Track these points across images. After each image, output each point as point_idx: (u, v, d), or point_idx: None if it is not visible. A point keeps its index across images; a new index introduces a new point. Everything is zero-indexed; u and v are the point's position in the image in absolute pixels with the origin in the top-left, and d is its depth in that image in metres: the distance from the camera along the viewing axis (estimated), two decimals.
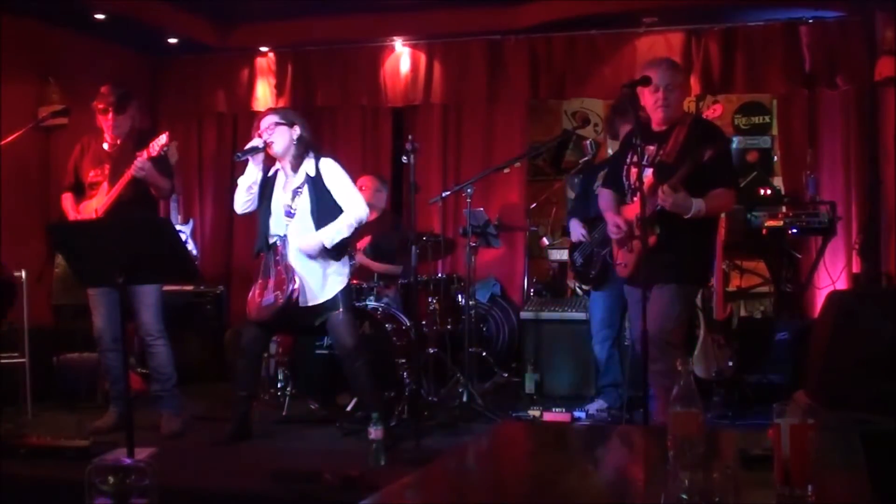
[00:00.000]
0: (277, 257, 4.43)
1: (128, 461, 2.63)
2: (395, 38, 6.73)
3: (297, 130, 4.49)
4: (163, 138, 4.45)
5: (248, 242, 7.09)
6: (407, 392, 4.85)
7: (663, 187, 3.79)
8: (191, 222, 7.05)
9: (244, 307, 4.66)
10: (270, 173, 4.57)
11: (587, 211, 5.20)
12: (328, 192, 4.47)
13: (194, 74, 7.20)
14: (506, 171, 5.84)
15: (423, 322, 5.40)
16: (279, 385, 5.48)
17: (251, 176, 4.52)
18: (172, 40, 6.78)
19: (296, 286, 4.36)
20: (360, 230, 5.98)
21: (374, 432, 3.98)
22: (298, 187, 4.47)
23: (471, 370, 5.37)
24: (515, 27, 6.40)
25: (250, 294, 4.56)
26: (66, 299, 5.79)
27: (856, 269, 5.78)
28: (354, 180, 6.16)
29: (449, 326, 5.69)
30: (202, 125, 7.35)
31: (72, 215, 4.76)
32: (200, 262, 6.89)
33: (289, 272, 4.38)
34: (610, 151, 6.23)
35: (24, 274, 5.34)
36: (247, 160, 4.51)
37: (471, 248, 5.56)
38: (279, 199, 4.50)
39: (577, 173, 6.77)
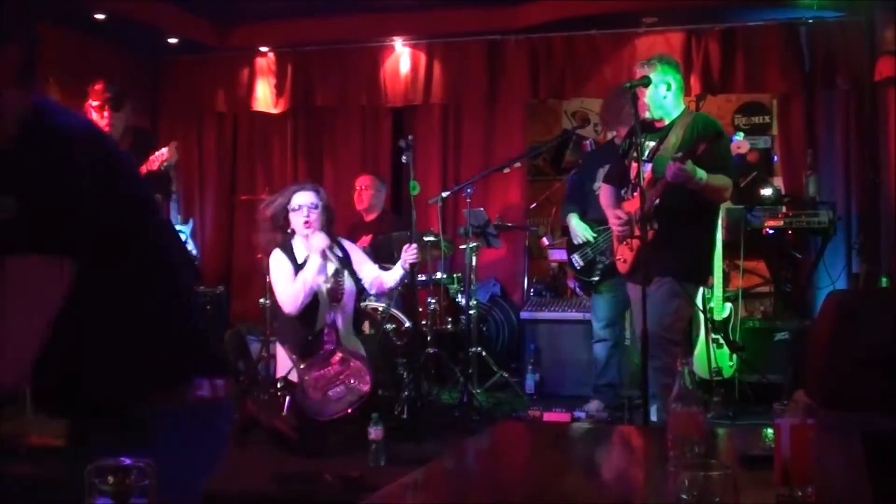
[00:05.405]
0: (329, 346, 4.27)
1: (128, 461, 2.62)
2: (395, 38, 6.72)
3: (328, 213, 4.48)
4: (164, 152, 4.32)
5: (248, 242, 7.12)
6: (407, 392, 4.85)
7: (672, 163, 3.81)
8: (191, 222, 7.05)
9: (244, 307, 4.64)
10: (301, 260, 4.41)
11: (584, 209, 5.19)
12: (353, 268, 4.55)
13: (194, 74, 7.20)
14: (506, 171, 5.84)
15: (423, 322, 5.40)
16: (279, 385, 5.46)
17: (317, 274, 4.36)
18: (172, 40, 6.77)
19: (369, 377, 4.24)
20: (359, 230, 6.01)
21: (374, 432, 3.98)
22: (338, 270, 4.41)
23: (471, 370, 5.37)
24: (515, 27, 6.40)
25: (301, 393, 4.23)
26: None
27: (856, 269, 5.78)
28: (353, 180, 6.22)
29: (449, 326, 5.68)
30: (202, 125, 7.34)
31: None
32: (200, 262, 6.89)
33: (358, 357, 4.29)
34: None
35: None
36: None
37: (471, 248, 5.56)
38: (322, 284, 4.38)
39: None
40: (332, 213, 4.49)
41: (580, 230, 5.11)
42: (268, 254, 4.50)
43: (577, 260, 5.13)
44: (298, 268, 4.35)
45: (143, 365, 1.59)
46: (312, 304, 4.38)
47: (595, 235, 5.05)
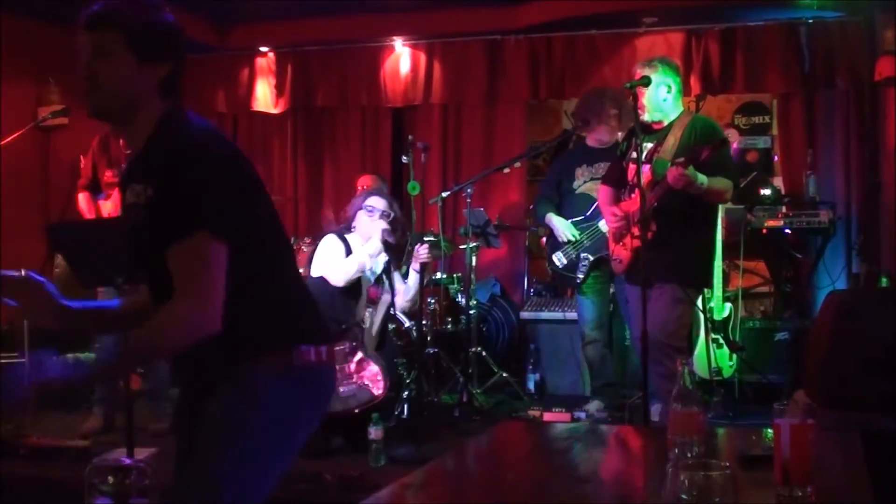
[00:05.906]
0: (354, 343, 4.37)
1: (128, 461, 2.62)
2: (395, 38, 6.73)
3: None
4: None
5: None
6: (407, 392, 4.85)
7: (673, 168, 3.83)
8: None
9: None
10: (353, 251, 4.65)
11: (560, 208, 5.19)
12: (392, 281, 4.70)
13: (194, 74, 7.18)
14: (506, 171, 5.83)
15: (423, 322, 5.40)
16: None
17: (374, 259, 4.54)
18: None
19: (383, 384, 4.29)
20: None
21: (374, 432, 3.98)
22: (381, 277, 4.65)
23: (471, 370, 5.36)
24: (515, 27, 6.40)
25: None
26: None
27: (856, 269, 5.78)
28: (355, 181, 6.22)
29: (449, 326, 5.68)
30: None
31: (87, 216, 4.70)
32: None
33: (377, 362, 4.33)
34: None
35: (24, 274, 5.33)
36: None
37: (471, 248, 5.56)
38: (365, 285, 4.59)
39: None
40: (399, 226, 4.66)
41: (564, 228, 5.10)
42: (322, 235, 4.74)
43: (561, 258, 5.13)
44: (349, 254, 4.54)
45: (258, 332, 1.84)
46: (355, 292, 4.51)
47: (579, 233, 5.05)
